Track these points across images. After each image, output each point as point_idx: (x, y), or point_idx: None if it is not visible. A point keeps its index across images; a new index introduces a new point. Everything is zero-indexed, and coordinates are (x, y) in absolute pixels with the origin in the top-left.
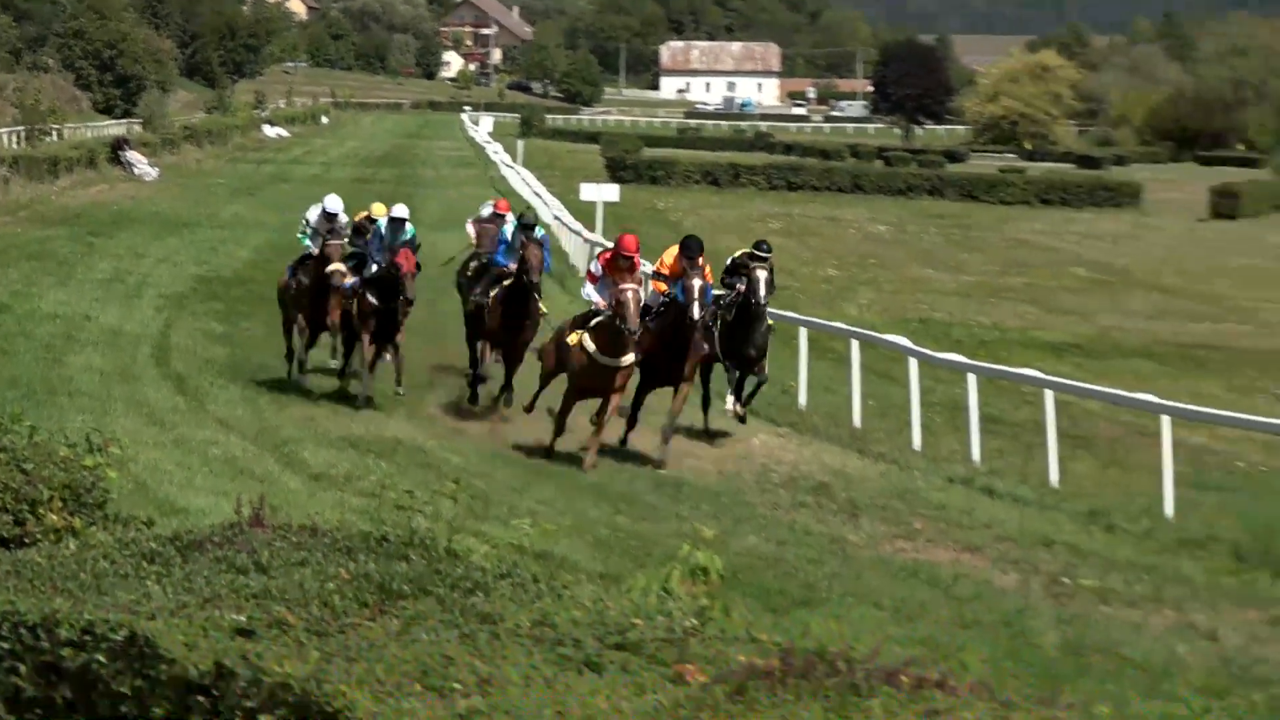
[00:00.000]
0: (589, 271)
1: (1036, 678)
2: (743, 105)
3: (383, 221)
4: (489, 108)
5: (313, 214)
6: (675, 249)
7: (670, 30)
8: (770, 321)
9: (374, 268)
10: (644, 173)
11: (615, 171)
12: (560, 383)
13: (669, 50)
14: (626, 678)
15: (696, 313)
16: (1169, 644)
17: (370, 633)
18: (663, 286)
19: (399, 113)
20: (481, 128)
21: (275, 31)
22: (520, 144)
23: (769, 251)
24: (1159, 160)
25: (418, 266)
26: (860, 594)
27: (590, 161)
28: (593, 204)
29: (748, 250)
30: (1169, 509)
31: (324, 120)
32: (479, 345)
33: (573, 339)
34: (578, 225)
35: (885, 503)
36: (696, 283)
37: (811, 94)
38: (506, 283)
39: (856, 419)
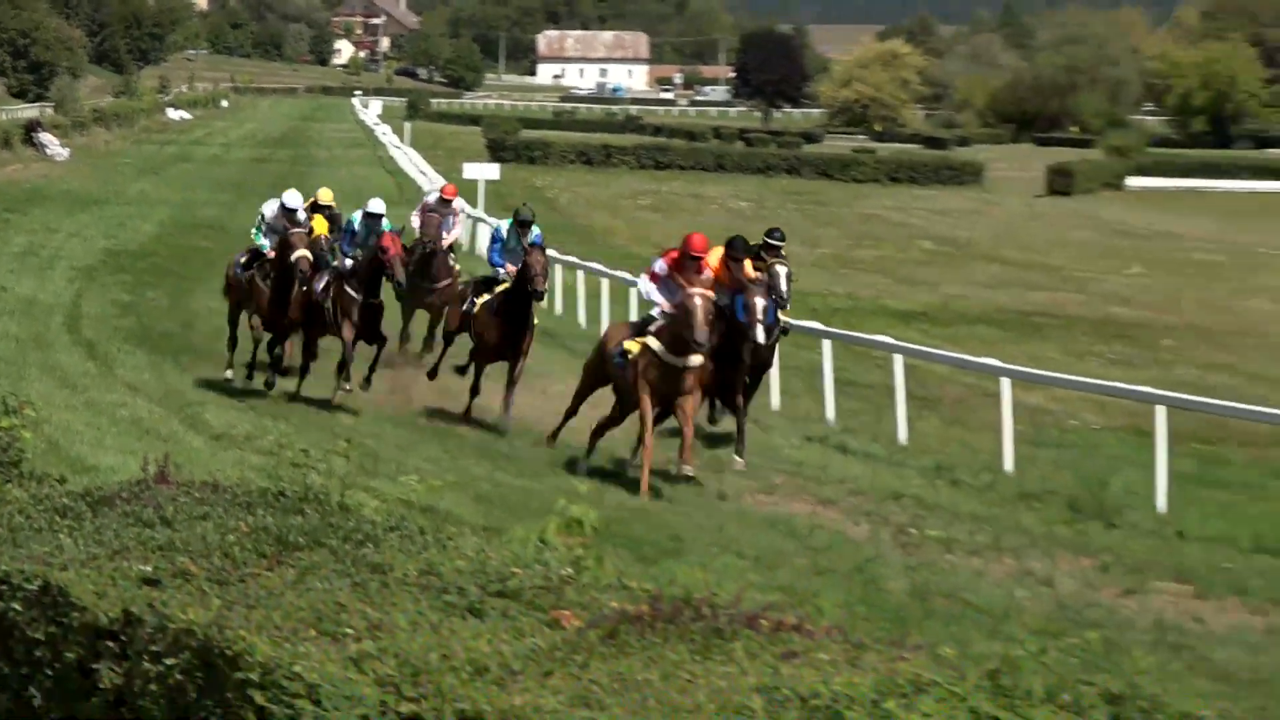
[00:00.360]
0: (650, 270)
1: (886, 621)
2: (614, 90)
3: (356, 216)
4: (378, 92)
5: (269, 209)
6: (719, 251)
7: (547, 20)
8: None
9: (349, 262)
10: (522, 153)
11: (496, 152)
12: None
13: (545, 39)
14: (507, 623)
15: (760, 336)
16: (1008, 589)
17: (268, 582)
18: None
19: (294, 97)
20: (371, 111)
21: (178, 21)
22: (407, 126)
23: (782, 239)
24: (1000, 141)
25: (405, 250)
26: (724, 544)
27: (472, 142)
28: (474, 182)
29: (758, 243)
30: (1008, 464)
31: (224, 104)
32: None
33: (633, 346)
34: (461, 201)
35: (747, 459)
36: (759, 301)
37: (678, 80)
38: (500, 288)
39: None
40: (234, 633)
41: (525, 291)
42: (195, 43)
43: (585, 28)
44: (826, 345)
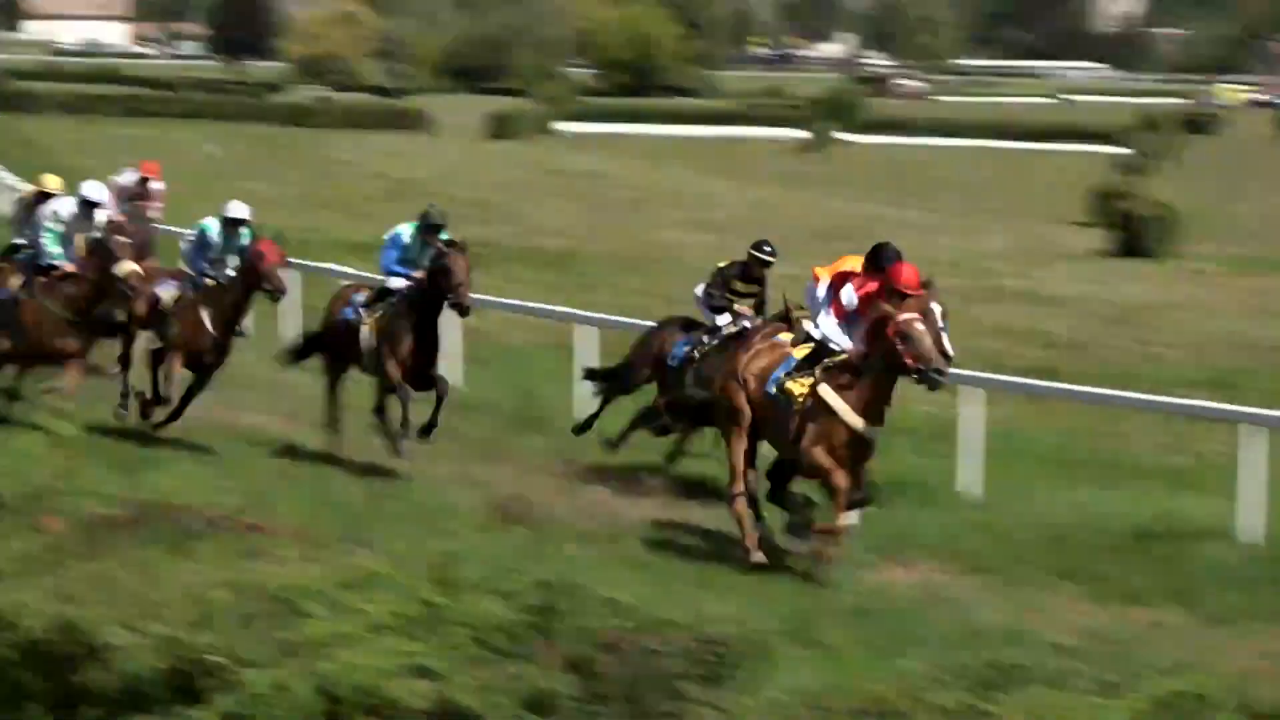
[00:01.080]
0: (835, 301)
1: (344, 523)
2: (97, 45)
3: (211, 224)
4: None
5: (64, 207)
6: (851, 262)
7: None
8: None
9: (206, 281)
10: (12, 103)
11: None
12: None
13: None
14: None
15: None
16: (448, 491)
17: None
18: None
19: None
20: None
21: None
22: None
23: (773, 255)
24: (446, 91)
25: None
26: (196, 456)
27: None
28: None
29: (741, 261)
30: (459, 380)
31: None
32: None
33: (796, 387)
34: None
35: (219, 384)
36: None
37: (157, 35)
38: (395, 299)
39: None
40: None
41: (436, 303)
42: None
43: None
44: (296, 276)
